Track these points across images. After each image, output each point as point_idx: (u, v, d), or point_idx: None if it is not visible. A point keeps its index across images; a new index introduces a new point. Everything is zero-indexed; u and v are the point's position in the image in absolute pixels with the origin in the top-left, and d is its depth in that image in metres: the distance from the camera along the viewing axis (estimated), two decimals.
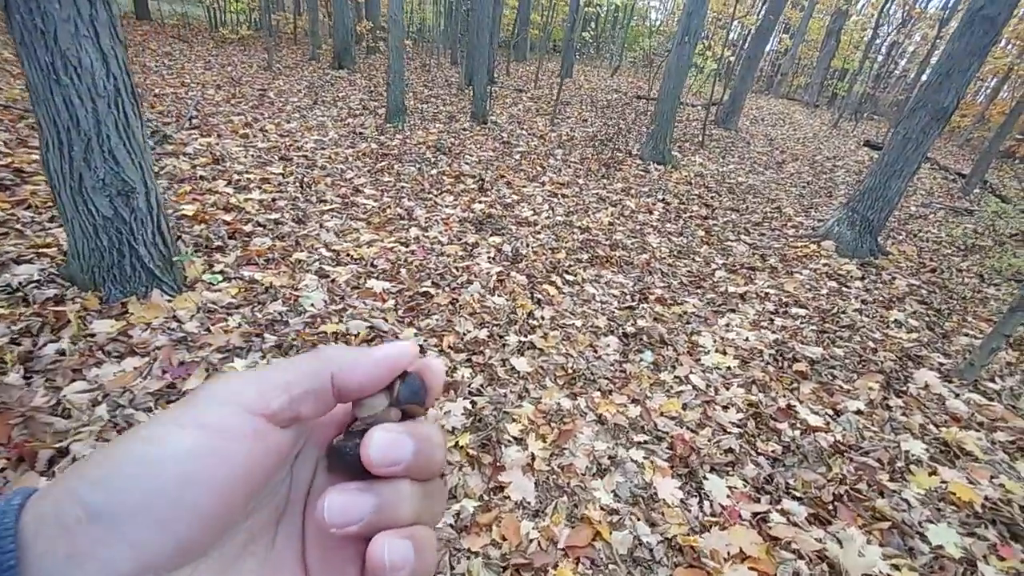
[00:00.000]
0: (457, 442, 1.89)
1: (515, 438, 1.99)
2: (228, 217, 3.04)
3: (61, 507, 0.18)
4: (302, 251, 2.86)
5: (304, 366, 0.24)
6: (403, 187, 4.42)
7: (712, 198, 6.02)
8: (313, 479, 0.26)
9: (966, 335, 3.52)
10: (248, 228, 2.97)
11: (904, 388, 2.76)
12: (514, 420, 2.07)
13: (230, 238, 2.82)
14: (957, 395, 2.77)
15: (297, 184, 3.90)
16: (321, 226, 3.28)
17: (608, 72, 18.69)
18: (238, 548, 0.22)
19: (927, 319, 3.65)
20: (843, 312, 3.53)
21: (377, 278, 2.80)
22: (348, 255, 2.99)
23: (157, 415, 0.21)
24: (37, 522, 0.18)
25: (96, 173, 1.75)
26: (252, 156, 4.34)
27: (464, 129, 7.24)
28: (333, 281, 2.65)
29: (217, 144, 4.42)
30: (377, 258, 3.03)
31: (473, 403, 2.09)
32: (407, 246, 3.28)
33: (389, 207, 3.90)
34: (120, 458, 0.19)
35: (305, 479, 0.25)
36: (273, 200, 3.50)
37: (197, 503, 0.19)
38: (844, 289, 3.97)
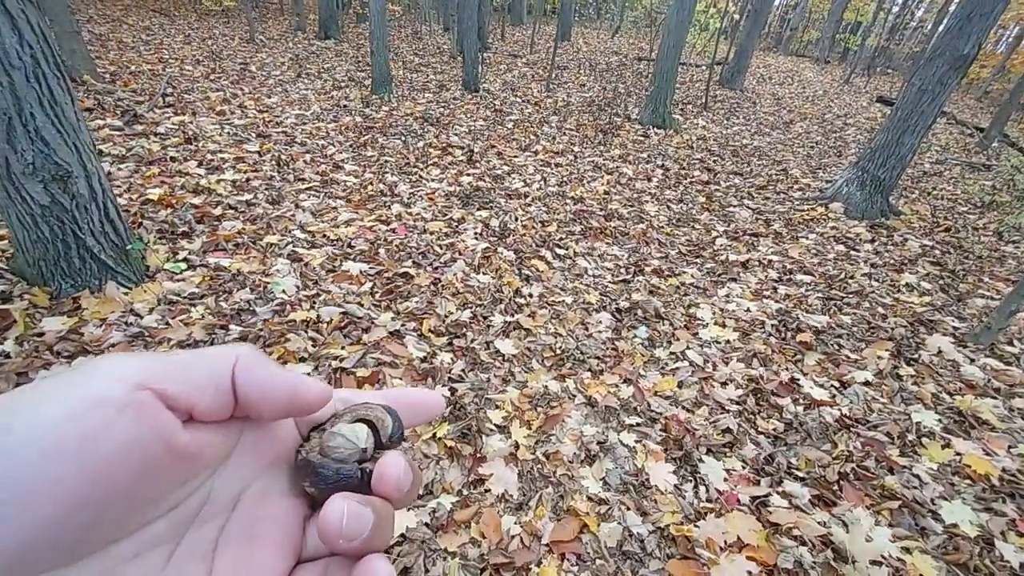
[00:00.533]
0: (435, 433, 1.77)
1: (498, 426, 1.87)
2: (197, 200, 2.88)
3: None
4: (274, 234, 2.71)
5: (203, 355, 0.22)
6: (387, 161, 4.22)
7: (714, 162, 5.75)
8: (240, 497, 0.24)
9: (982, 296, 3.33)
10: (218, 211, 2.81)
11: (915, 355, 2.60)
12: (497, 407, 1.95)
13: (198, 222, 2.67)
14: (972, 360, 2.62)
15: (274, 162, 3.71)
16: (297, 206, 3.11)
17: (608, 34, 17.90)
18: (123, 557, 0.20)
19: (941, 281, 3.46)
20: (851, 277, 3.34)
21: (354, 260, 2.65)
22: (324, 236, 2.83)
23: (36, 382, 0.18)
24: None
25: (23, 157, 1.59)
26: (228, 134, 4.13)
27: (455, 98, 6.93)
28: (306, 265, 2.51)
29: (191, 122, 4.21)
30: (355, 238, 2.87)
31: (453, 390, 1.96)
32: (388, 224, 3.11)
33: (371, 183, 3.71)
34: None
35: (230, 494, 0.24)
36: (247, 180, 3.33)
37: (62, 478, 0.17)
38: (852, 253, 3.77)
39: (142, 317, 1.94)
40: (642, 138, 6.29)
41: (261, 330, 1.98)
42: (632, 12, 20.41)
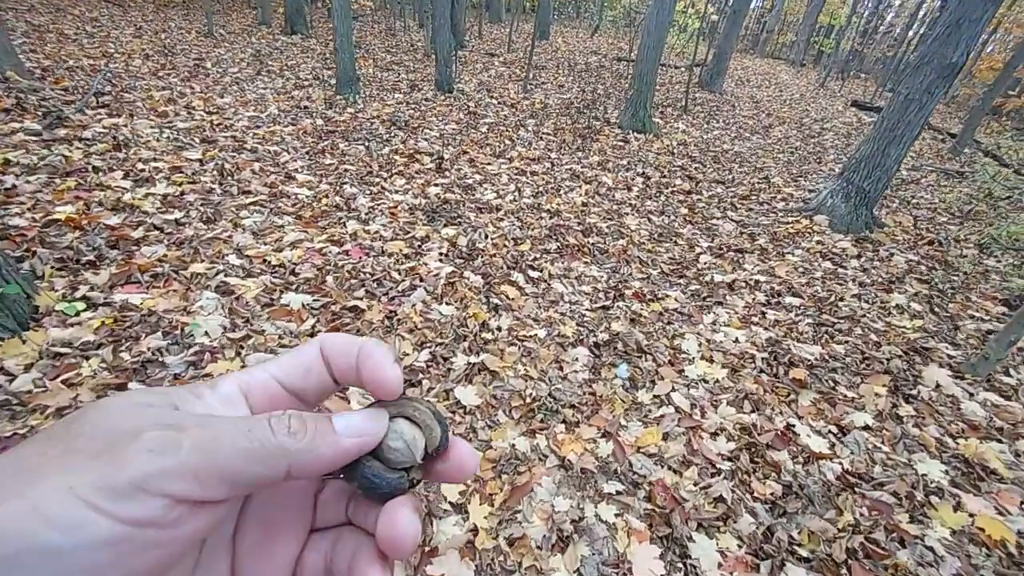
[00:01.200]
0: None
1: (454, 504, 1.58)
2: (115, 220, 2.50)
3: None
4: (203, 260, 2.35)
5: (257, 451, 0.20)
6: (347, 170, 3.86)
7: (696, 169, 5.55)
8: (243, 506, 0.25)
9: (972, 317, 3.19)
10: (138, 233, 2.43)
11: (914, 391, 2.41)
12: None
13: (111, 247, 2.29)
14: (971, 395, 2.45)
15: (216, 172, 3.33)
16: (236, 225, 2.75)
17: (588, 33, 17.71)
18: None
19: (930, 302, 3.31)
20: (841, 300, 3.16)
21: (297, 290, 2.31)
22: (264, 261, 2.49)
23: (61, 474, 0.17)
24: None
25: None
26: (167, 139, 3.72)
27: (426, 99, 6.58)
28: (238, 298, 2.16)
29: (126, 126, 3.78)
30: (301, 263, 2.53)
31: None
32: (341, 245, 2.78)
33: (326, 196, 3.36)
34: (19, 541, 0.16)
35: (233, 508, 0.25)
36: (181, 194, 2.94)
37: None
38: (840, 271, 3.59)
39: (14, 377, 1.57)
40: (622, 143, 6.06)
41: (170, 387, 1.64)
42: (611, 11, 20.28)
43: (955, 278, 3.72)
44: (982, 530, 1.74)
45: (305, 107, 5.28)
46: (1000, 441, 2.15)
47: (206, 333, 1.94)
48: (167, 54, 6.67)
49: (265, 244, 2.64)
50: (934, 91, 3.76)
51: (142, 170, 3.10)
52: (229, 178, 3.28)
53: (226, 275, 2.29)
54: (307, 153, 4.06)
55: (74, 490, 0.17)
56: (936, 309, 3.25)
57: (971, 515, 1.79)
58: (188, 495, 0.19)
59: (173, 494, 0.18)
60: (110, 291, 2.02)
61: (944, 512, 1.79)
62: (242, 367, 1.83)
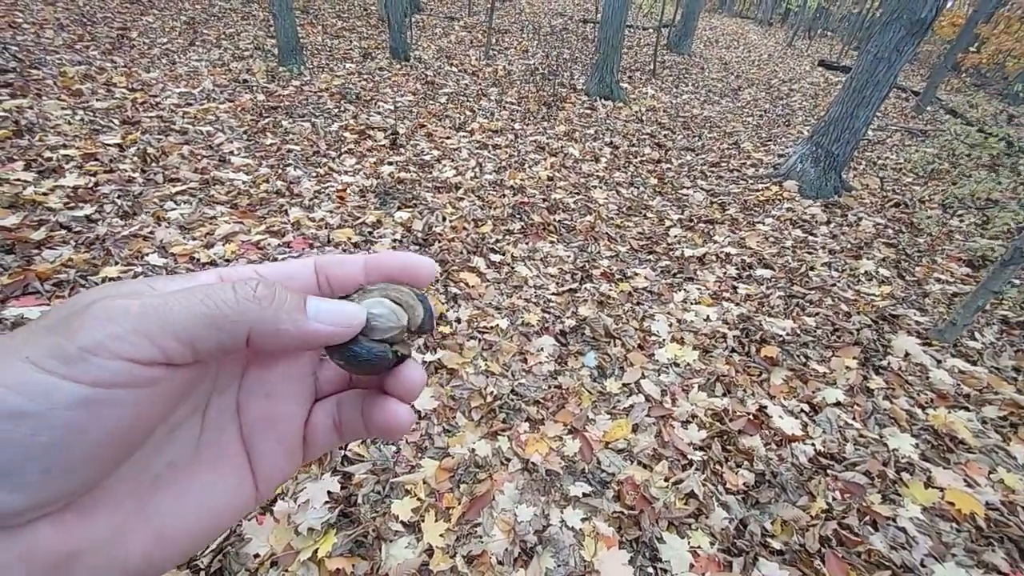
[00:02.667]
0: (315, 551, 1.32)
1: (406, 524, 1.44)
2: (13, 219, 2.18)
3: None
4: (117, 262, 2.07)
5: (215, 315, 0.20)
6: (290, 151, 3.54)
7: (665, 136, 5.39)
8: (248, 362, 0.26)
9: (938, 280, 3.19)
10: (40, 234, 2.13)
11: (884, 362, 2.38)
12: (407, 492, 1.52)
13: (6, 253, 2.00)
14: (939, 362, 2.43)
15: (138, 158, 2.98)
16: (159, 219, 2.46)
17: None
18: (157, 442, 0.22)
19: (898, 266, 3.29)
20: (811, 269, 3.10)
21: None
22: (191, 259, 2.23)
23: (13, 350, 0.18)
24: None
25: None
26: (82, 121, 3.31)
27: (380, 69, 6.14)
28: None
29: (31, 107, 3.35)
30: (235, 259, 2.29)
31: (347, 477, 1.51)
32: (282, 237, 2.53)
33: (266, 180, 3.06)
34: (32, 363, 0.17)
35: (237, 362, 0.25)
36: (95, 185, 2.61)
37: (88, 453, 0.18)
38: (810, 238, 3.53)
39: None
40: (588, 111, 5.82)
41: None
42: None
43: (921, 240, 3.72)
44: (952, 504, 1.72)
45: (244, 81, 4.83)
46: (967, 409, 2.14)
47: None
48: (85, 23, 5.99)
49: (193, 239, 2.37)
50: (903, 49, 3.65)
51: (48, 159, 2.73)
52: (153, 164, 2.94)
53: (145, 277, 2.03)
54: (245, 133, 3.70)
55: (30, 359, 0.18)
56: (903, 274, 3.23)
57: (941, 490, 1.76)
58: (149, 357, 0.19)
59: (130, 356, 0.18)
60: (1, 305, 1.75)
61: (915, 489, 1.75)
62: None
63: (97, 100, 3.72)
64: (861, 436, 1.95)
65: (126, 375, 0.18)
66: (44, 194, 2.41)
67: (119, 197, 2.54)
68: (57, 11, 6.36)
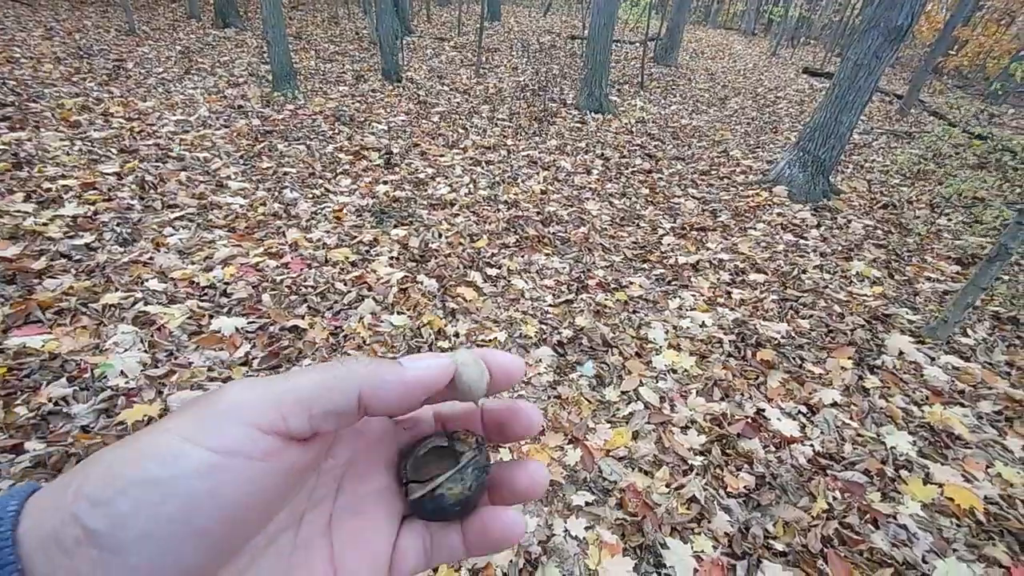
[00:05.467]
0: None
1: None
2: (13, 250, 2.21)
3: (62, 528, 0.17)
4: (117, 289, 2.10)
5: (328, 379, 0.22)
6: (286, 173, 3.60)
7: (655, 147, 5.48)
8: (343, 478, 0.27)
9: (928, 279, 3.24)
10: (40, 264, 2.16)
11: (878, 361, 2.41)
12: None
13: (7, 283, 2.02)
14: (933, 360, 2.46)
15: (136, 185, 3.03)
16: (158, 245, 2.49)
17: (540, 11, 17.35)
18: (258, 548, 0.22)
19: (888, 266, 3.34)
20: (803, 272, 3.14)
21: (228, 313, 2.10)
22: (191, 283, 2.26)
23: (161, 425, 0.20)
24: (36, 537, 0.17)
25: None
26: (80, 151, 3.37)
27: (373, 90, 6.26)
28: (160, 329, 1.95)
29: (30, 140, 3.40)
30: (234, 282, 2.32)
31: None
32: (280, 258, 2.56)
33: (263, 203, 3.11)
34: (124, 476, 0.18)
35: (334, 476, 0.26)
36: (94, 214, 2.65)
37: (205, 528, 0.18)
38: (801, 242, 3.59)
39: None
40: (579, 125, 5.92)
41: (71, 444, 1.44)
42: None
43: (910, 240, 3.77)
44: (951, 500, 1.73)
45: (239, 107, 4.92)
46: (963, 405, 2.16)
47: (122, 373, 1.73)
48: (82, 56, 6.11)
49: (192, 263, 2.40)
50: (882, 55, 3.75)
51: (48, 189, 2.78)
52: (151, 191, 2.99)
53: (146, 303, 2.06)
54: (242, 157, 3.76)
55: (170, 431, 0.19)
56: (894, 273, 3.28)
57: (940, 486, 1.78)
58: (270, 423, 0.20)
59: (257, 423, 0.20)
60: (3, 335, 1.77)
61: (914, 486, 1.77)
62: (163, 410, 1.65)
63: (95, 130, 3.79)
64: (859, 435, 1.97)
65: (248, 442, 0.19)
66: (44, 224, 2.44)
67: (118, 224, 2.58)
68: (54, 45, 6.49)
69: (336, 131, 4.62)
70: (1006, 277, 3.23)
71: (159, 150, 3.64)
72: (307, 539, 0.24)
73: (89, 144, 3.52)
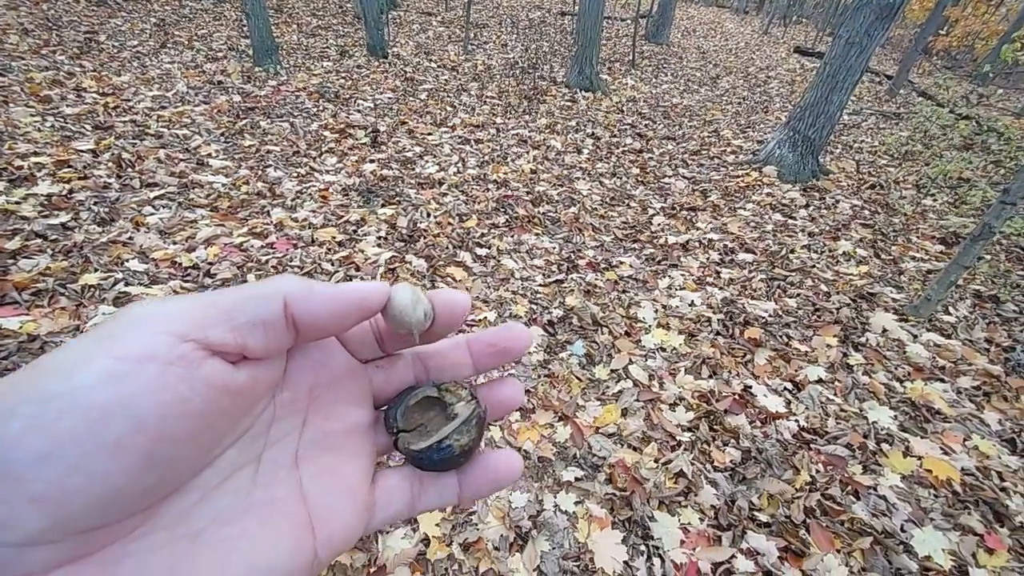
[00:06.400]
0: None
1: None
2: None
3: None
4: (96, 270, 2.04)
5: (252, 289, 0.20)
6: (270, 152, 3.50)
7: (646, 126, 5.43)
8: (307, 414, 0.25)
9: (913, 258, 3.28)
10: (15, 244, 2.09)
11: (862, 339, 2.45)
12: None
13: None
14: (915, 337, 2.51)
15: (113, 163, 2.92)
16: (138, 225, 2.42)
17: None
18: (208, 486, 0.20)
19: (874, 246, 3.38)
20: (791, 252, 3.17)
21: None
22: (174, 264, 2.20)
23: (65, 344, 0.17)
24: None
25: None
26: (52, 128, 3.23)
27: (358, 66, 6.08)
28: None
29: None
30: (218, 262, 2.26)
31: None
32: (264, 238, 2.51)
33: (246, 182, 3.03)
34: (16, 396, 0.16)
35: (295, 412, 0.24)
36: (70, 192, 2.56)
37: (120, 442, 0.16)
38: (790, 222, 3.60)
39: None
40: (570, 103, 5.83)
41: None
42: None
43: (896, 220, 3.81)
44: (930, 472, 1.78)
45: (219, 82, 4.75)
46: (943, 380, 2.22)
47: None
48: (51, 28, 5.83)
49: (174, 243, 2.34)
50: (874, 33, 3.72)
51: (19, 167, 2.67)
52: (129, 169, 2.89)
53: (126, 284, 2.01)
54: (223, 135, 3.65)
55: (72, 346, 0.17)
56: (880, 253, 3.32)
57: (919, 458, 1.83)
58: (188, 333, 0.18)
59: (171, 330, 0.18)
60: None
61: (895, 459, 1.82)
62: None
63: (67, 106, 3.64)
64: (842, 411, 2.01)
65: (161, 347, 0.17)
66: (17, 203, 2.35)
67: (95, 203, 2.49)
68: (21, 15, 6.17)
69: (321, 108, 4.50)
70: (988, 256, 3.28)
71: (136, 127, 3.51)
72: (270, 477, 0.22)
73: (62, 120, 3.38)
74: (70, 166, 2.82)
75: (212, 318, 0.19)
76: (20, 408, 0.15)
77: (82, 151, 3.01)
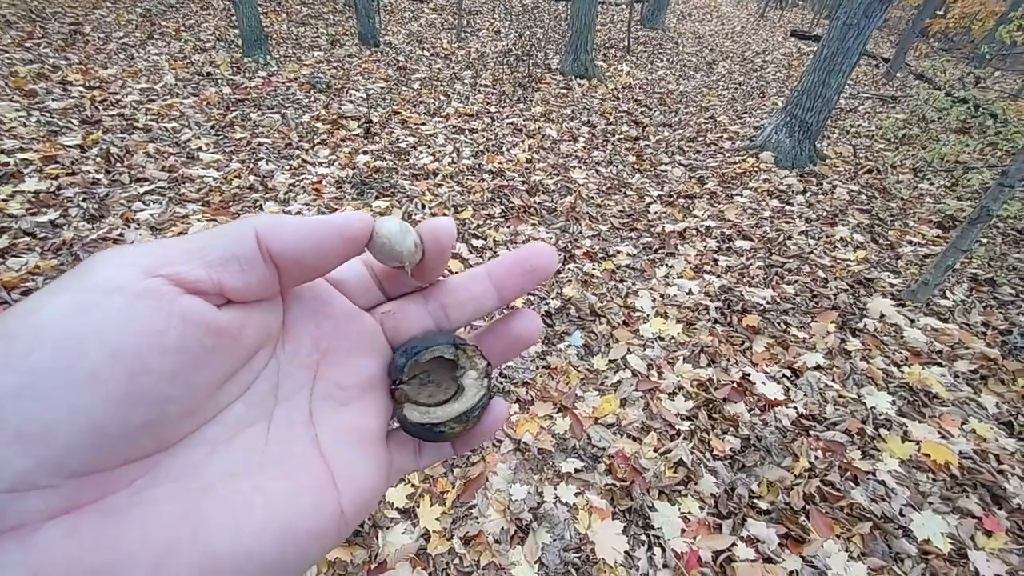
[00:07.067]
0: None
1: (401, 511, 1.45)
2: None
3: None
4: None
5: (222, 227, 0.20)
6: (261, 144, 3.45)
7: (642, 113, 5.37)
8: (317, 369, 0.24)
9: (910, 242, 3.28)
10: (2, 243, 2.05)
11: (860, 324, 2.45)
12: (401, 480, 1.53)
13: None
14: (913, 321, 2.51)
15: (101, 159, 2.87)
16: (128, 221, 2.38)
17: None
18: (218, 440, 0.19)
19: (871, 231, 3.37)
20: (789, 238, 3.15)
21: None
22: None
23: (35, 292, 0.17)
24: None
25: None
26: (38, 122, 3.17)
27: (350, 56, 5.98)
28: None
29: None
30: None
31: None
32: None
33: (238, 176, 2.98)
34: None
35: (304, 367, 0.23)
36: (58, 189, 2.52)
37: (96, 371, 0.15)
38: (787, 208, 3.59)
39: None
40: (565, 91, 5.76)
41: None
42: None
43: (893, 205, 3.80)
44: (928, 456, 1.79)
45: (208, 74, 4.66)
46: (940, 365, 2.22)
47: None
48: (35, 19, 5.70)
49: (165, 239, 2.31)
50: (872, 14, 3.67)
51: (5, 164, 2.62)
52: (118, 164, 2.84)
53: None
54: (213, 127, 3.59)
55: (38, 291, 0.16)
56: (877, 238, 3.31)
57: (917, 443, 1.84)
58: (157, 269, 0.17)
59: (137, 264, 0.17)
60: None
61: (893, 443, 1.82)
62: None
63: (53, 100, 3.56)
64: (840, 396, 2.02)
65: (128, 280, 0.16)
66: (4, 200, 2.31)
67: (84, 200, 2.45)
68: (3, 7, 6.04)
69: (312, 99, 4.43)
70: (984, 240, 3.28)
71: (124, 120, 3.44)
72: (284, 434, 0.21)
73: (48, 115, 3.31)
74: (57, 162, 2.77)
75: (182, 255, 0.18)
76: None
77: (69, 146, 2.95)
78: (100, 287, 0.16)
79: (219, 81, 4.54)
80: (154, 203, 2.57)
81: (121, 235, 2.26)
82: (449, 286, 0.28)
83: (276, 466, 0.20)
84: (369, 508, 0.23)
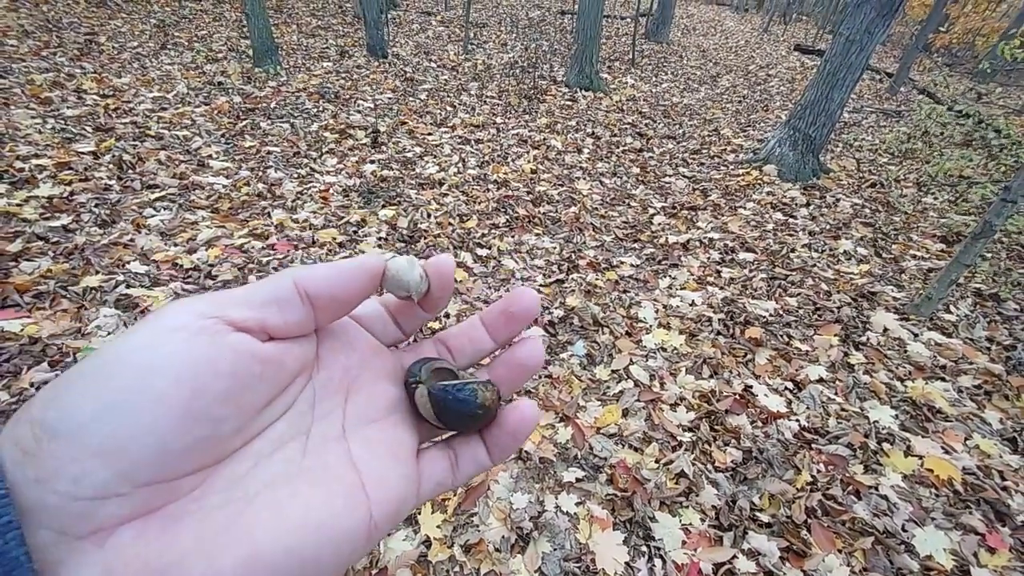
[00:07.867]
0: None
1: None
2: None
3: (20, 431, 0.17)
4: (98, 272, 2.05)
5: (262, 281, 0.24)
6: (270, 152, 3.50)
7: (646, 126, 5.42)
8: (348, 392, 0.27)
9: (914, 256, 3.28)
10: (16, 246, 2.09)
11: (863, 338, 2.45)
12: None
13: None
14: (916, 336, 2.51)
15: (114, 165, 2.93)
16: (139, 226, 2.43)
17: None
18: (262, 454, 0.22)
19: (875, 244, 3.37)
20: (792, 251, 3.16)
21: None
22: (174, 265, 2.21)
23: (122, 332, 0.26)
24: (6, 449, 0.17)
25: None
26: (53, 130, 3.24)
27: (358, 67, 6.08)
28: (143, 312, 1.91)
29: None
30: (218, 263, 2.27)
31: None
32: (265, 239, 2.51)
33: (247, 183, 3.03)
34: (71, 374, 0.18)
35: (337, 390, 0.26)
36: (70, 195, 2.57)
37: (162, 395, 0.18)
38: (791, 221, 3.60)
39: None
40: (570, 103, 5.83)
41: None
42: None
43: (897, 219, 3.81)
44: (931, 471, 1.78)
45: (220, 83, 4.75)
46: (944, 379, 2.22)
47: None
48: (51, 29, 5.83)
49: (175, 245, 2.35)
50: (874, 31, 3.71)
51: (20, 169, 2.67)
52: (130, 171, 2.89)
53: (128, 286, 2.01)
54: (223, 136, 3.65)
55: (109, 342, 0.22)
56: (881, 252, 3.32)
57: (920, 458, 1.83)
58: (211, 313, 0.21)
59: (195, 310, 0.20)
60: None
61: (896, 458, 1.82)
62: None
63: (68, 108, 3.64)
64: (843, 410, 2.01)
65: (189, 320, 0.20)
66: (18, 205, 2.36)
67: (96, 205, 2.50)
68: (21, 17, 6.18)
69: (321, 109, 4.50)
70: (988, 254, 3.28)
71: (136, 128, 3.51)
72: (319, 447, 0.24)
73: (62, 122, 3.38)
74: (71, 168, 2.82)
75: (232, 301, 0.22)
76: (75, 380, 0.18)
77: (83, 153, 3.01)
78: (167, 327, 0.19)
79: (230, 91, 4.62)
80: (164, 209, 2.62)
81: (132, 240, 2.30)
82: (453, 332, 0.32)
83: (312, 474, 0.23)
84: (399, 516, 0.25)
